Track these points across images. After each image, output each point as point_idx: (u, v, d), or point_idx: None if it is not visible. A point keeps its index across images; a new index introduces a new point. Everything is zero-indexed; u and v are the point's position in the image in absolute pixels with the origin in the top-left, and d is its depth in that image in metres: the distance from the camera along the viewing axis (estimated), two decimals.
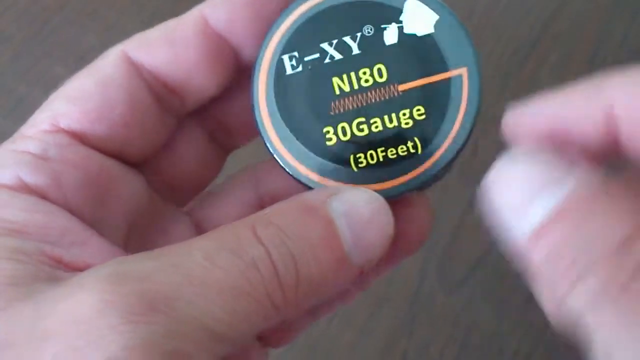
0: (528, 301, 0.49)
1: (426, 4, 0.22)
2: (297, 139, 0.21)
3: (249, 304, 0.16)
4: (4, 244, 0.17)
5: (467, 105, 0.22)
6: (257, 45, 0.22)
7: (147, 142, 0.23)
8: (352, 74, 0.22)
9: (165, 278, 0.15)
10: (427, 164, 0.21)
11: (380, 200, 0.19)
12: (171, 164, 0.24)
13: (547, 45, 0.56)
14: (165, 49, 0.22)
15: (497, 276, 0.49)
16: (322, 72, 0.22)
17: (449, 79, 0.22)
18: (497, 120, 0.52)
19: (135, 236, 0.22)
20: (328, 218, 0.18)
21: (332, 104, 0.21)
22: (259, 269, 0.16)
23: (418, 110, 0.21)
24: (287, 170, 0.21)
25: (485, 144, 0.52)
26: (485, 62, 0.55)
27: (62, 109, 0.21)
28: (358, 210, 0.18)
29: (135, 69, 0.22)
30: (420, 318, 0.46)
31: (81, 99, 0.21)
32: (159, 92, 0.23)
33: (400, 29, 0.22)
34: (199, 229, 0.24)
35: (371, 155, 0.21)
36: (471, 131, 0.22)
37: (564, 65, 0.55)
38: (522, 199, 0.14)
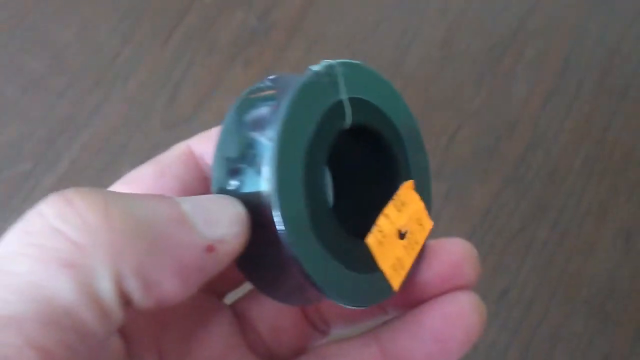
0: (502, 296, 0.49)
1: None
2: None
3: None
4: None
5: None
6: None
7: None
8: None
9: None
10: None
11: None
12: None
13: (523, 41, 0.56)
14: None
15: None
16: None
17: None
18: (475, 114, 0.53)
19: (175, 329, 0.22)
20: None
21: None
22: None
23: None
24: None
25: (462, 139, 0.53)
26: (462, 58, 0.55)
27: (116, 189, 0.21)
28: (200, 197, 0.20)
29: (194, 162, 0.23)
30: None
31: (136, 182, 0.22)
32: None
33: None
34: (243, 321, 0.24)
35: None
36: None
37: (540, 61, 0.56)
38: None
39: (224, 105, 0.54)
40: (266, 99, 0.20)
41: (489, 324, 0.48)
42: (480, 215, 0.51)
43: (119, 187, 0.22)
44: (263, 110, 0.20)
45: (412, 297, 0.22)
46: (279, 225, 0.18)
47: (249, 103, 0.20)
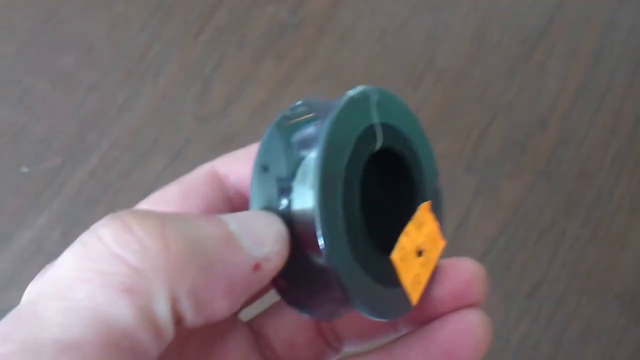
0: (534, 291, 0.49)
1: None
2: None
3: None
4: None
5: None
6: None
7: None
8: None
9: None
10: None
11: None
12: None
13: (554, 36, 0.56)
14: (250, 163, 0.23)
15: (503, 267, 0.49)
16: None
17: None
18: (506, 108, 0.53)
19: (194, 345, 0.23)
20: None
21: None
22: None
23: None
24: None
25: (493, 134, 0.53)
26: (493, 52, 0.55)
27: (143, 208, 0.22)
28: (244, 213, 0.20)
29: (219, 182, 0.23)
30: None
31: (161, 201, 0.22)
32: (238, 206, 0.23)
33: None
34: (259, 338, 0.24)
35: None
36: None
37: (571, 55, 0.56)
38: None
39: (255, 100, 0.54)
40: (309, 121, 0.21)
41: (521, 318, 0.48)
42: (511, 210, 0.51)
43: (144, 206, 0.22)
44: (310, 131, 0.21)
45: (424, 313, 0.23)
46: (321, 240, 0.19)
47: (293, 125, 0.22)
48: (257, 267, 0.18)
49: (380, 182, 0.24)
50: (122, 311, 0.16)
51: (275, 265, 0.19)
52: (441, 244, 0.23)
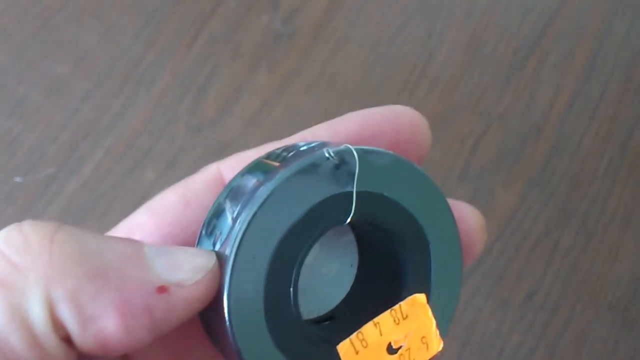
0: (528, 300, 0.49)
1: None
2: None
3: None
4: None
5: None
6: None
7: None
8: None
9: None
10: None
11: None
12: None
13: (548, 44, 0.56)
14: None
15: (497, 276, 0.49)
16: None
17: None
18: (500, 117, 0.53)
19: None
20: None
21: None
22: None
23: None
24: None
25: (487, 142, 0.53)
26: (487, 60, 0.55)
27: (140, 220, 0.20)
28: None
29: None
30: None
31: (161, 212, 0.21)
32: None
33: None
34: None
35: None
36: None
37: (565, 64, 0.56)
38: None
39: (249, 109, 0.54)
40: (261, 171, 0.18)
41: (515, 327, 0.48)
42: (505, 219, 0.51)
43: (142, 214, 0.21)
44: (248, 183, 0.18)
45: None
46: (226, 314, 0.17)
47: (253, 164, 0.19)
48: (162, 289, 0.16)
49: (365, 258, 0.21)
50: None
51: (191, 296, 0.17)
52: (435, 347, 0.19)
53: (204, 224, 0.19)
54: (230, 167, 0.21)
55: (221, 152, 0.50)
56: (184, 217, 0.20)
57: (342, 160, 0.18)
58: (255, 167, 0.19)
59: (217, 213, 0.19)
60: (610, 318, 0.49)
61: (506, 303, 0.49)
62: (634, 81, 0.55)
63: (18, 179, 0.49)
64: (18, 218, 0.48)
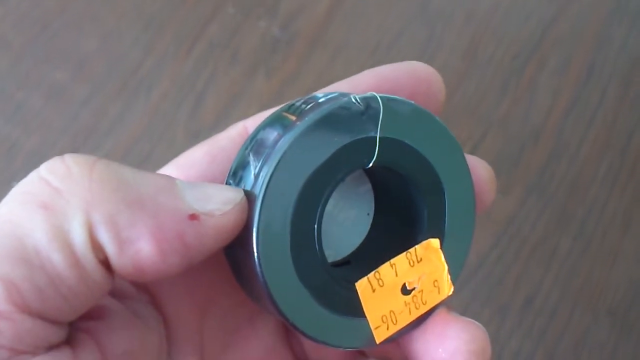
0: (526, 305, 0.49)
1: None
2: None
3: None
4: None
5: None
6: None
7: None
8: None
9: None
10: None
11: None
12: None
13: (546, 50, 0.56)
14: None
15: (495, 281, 0.49)
16: None
17: None
18: (498, 123, 0.53)
19: (219, 319, 0.22)
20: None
21: None
22: None
23: None
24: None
25: (486, 148, 0.53)
26: (486, 66, 0.55)
27: (167, 174, 0.21)
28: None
29: None
30: None
31: (186, 165, 0.21)
32: None
33: None
34: (291, 332, 0.23)
35: None
36: None
37: (564, 69, 0.56)
38: None
39: (247, 115, 0.53)
40: (291, 114, 0.19)
41: (513, 332, 0.48)
42: (503, 224, 0.51)
43: (170, 168, 0.21)
44: (270, 135, 0.19)
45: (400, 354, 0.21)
46: (255, 245, 0.18)
47: (274, 117, 0.20)
48: (193, 216, 0.17)
49: (381, 207, 0.22)
50: (36, 226, 0.16)
51: (220, 225, 0.18)
52: (446, 290, 0.20)
53: (229, 174, 0.20)
54: (254, 124, 0.22)
55: None
56: (209, 171, 0.21)
57: (367, 106, 0.18)
58: (275, 120, 0.19)
59: (242, 160, 0.19)
60: (609, 323, 0.49)
61: (504, 308, 0.49)
62: (632, 87, 0.55)
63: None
64: None
